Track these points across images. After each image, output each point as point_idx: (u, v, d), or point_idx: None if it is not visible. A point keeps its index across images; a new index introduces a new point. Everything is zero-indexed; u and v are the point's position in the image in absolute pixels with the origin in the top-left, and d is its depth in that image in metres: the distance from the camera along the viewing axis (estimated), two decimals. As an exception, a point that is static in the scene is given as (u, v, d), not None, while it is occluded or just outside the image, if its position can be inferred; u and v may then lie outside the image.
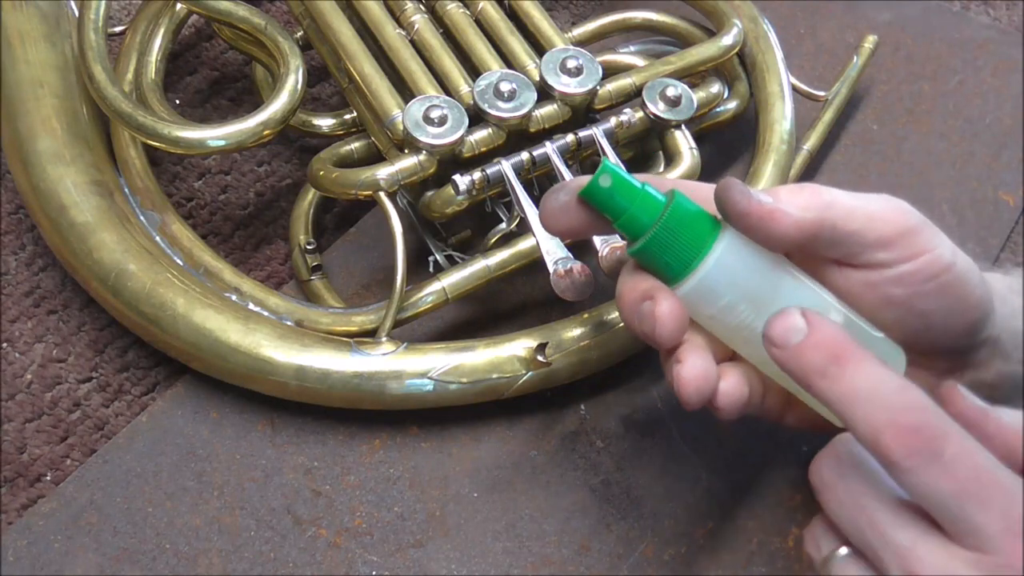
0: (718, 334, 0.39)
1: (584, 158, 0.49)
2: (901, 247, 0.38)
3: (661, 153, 0.52)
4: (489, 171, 0.46)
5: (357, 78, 0.49)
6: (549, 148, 0.47)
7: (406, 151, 0.47)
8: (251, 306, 0.48)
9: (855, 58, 0.58)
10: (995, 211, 0.56)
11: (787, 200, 0.37)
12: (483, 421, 0.48)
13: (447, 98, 0.48)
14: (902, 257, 0.38)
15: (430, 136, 0.46)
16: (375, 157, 0.50)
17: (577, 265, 0.44)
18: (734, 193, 0.36)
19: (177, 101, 0.58)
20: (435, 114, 0.47)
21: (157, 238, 0.49)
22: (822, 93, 0.57)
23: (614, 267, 0.42)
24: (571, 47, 0.50)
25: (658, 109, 0.49)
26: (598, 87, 0.49)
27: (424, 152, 0.47)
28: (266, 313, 0.47)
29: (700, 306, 0.38)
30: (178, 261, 0.49)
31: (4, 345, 0.49)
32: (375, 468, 0.46)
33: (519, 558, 0.44)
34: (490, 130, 0.48)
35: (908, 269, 0.38)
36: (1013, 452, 0.34)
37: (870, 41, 0.59)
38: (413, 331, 0.49)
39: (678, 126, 0.50)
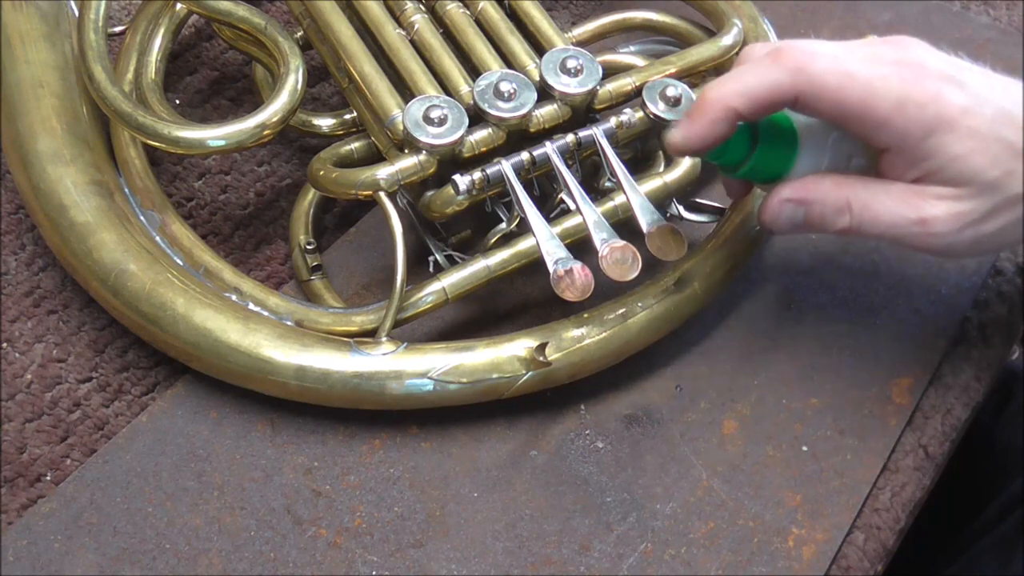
0: None
1: (584, 158, 0.49)
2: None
3: (661, 153, 0.52)
4: (489, 171, 0.46)
5: (357, 78, 0.49)
6: (549, 148, 0.47)
7: (406, 151, 0.47)
8: (251, 306, 0.48)
9: (855, 58, 0.58)
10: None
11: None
12: (483, 421, 0.48)
13: (447, 98, 0.48)
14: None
15: (430, 136, 0.46)
16: (375, 157, 0.50)
17: (577, 265, 0.44)
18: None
19: (177, 101, 0.58)
20: (435, 114, 0.46)
21: (157, 238, 0.49)
22: (822, 93, 0.57)
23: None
24: (571, 47, 0.50)
25: (658, 109, 0.49)
26: (598, 87, 0.49)
27: (424, 152, 0.47)
28: (266, 313, 0.47)
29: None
30: (178, 261, 0.49)
31: (4, 345, 0.49)
32: (375, 468, 0.46)
33: (519, 558, 0.44)
34: (490, 130, 0.48)
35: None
36: None
37: (870, 41, 0.58)
38: (413, 331, 0.49)
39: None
